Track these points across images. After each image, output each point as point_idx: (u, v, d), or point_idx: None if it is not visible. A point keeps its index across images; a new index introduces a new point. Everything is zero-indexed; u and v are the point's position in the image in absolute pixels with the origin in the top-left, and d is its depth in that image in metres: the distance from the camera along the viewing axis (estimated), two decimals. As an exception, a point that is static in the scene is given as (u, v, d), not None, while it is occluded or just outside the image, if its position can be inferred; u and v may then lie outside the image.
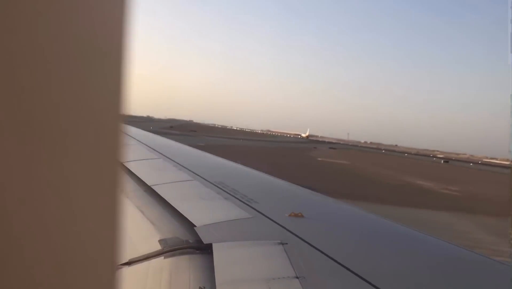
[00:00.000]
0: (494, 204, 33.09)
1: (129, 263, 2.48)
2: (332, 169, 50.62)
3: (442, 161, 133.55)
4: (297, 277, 2.05)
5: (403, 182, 44.25)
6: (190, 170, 5.00)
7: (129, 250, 2.66)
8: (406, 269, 2.36)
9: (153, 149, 6.90)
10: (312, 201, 4.27)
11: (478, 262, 2.72)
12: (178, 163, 5.50)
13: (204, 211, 3.31)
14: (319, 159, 70.14)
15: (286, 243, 2.52)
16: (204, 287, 2.07)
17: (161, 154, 6.36)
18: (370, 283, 2.00)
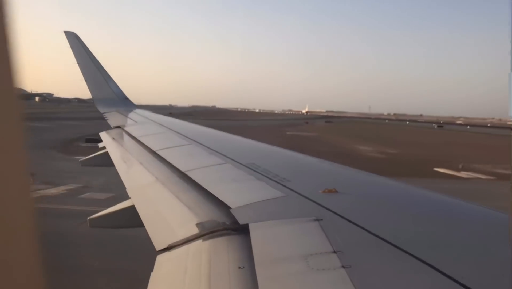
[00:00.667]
0: (407, 165, 36.29)
1: (169, 248, 2.55)
2: (286, 139, 54.21)
3: (435, 126, 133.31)
4: (334, 252, 2.05)
5: (343, 149, 47.46)
6: (221, 154, 5.04)
7: (168, 236, 2.73)
8: (447, 238, 2.31)
9: (183, 135, 6.99)
10: (345, 176, 4.23)
11: None
12: (209, 148, 5.56)
13: (238, 192, 3.35)
14: (288, 132, 74.62)
15: (321, 219, 2.52)
16: (244, 267, 2.10)
17: (192, 139, 6.44)
18: (409, 254, 1.98)
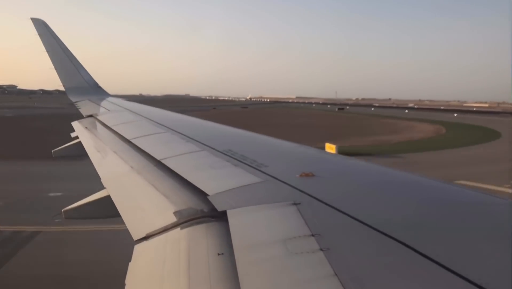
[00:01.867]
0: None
1: (146, 238, 2.52)
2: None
3: (336, 109, 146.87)
4: (312, 235, 2.07)
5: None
6: (197, 141, 5.00)
7: (145, 225, 2.70)
8: (423, 218, 2.36)
9: (158, 123, 6.89)
10: (322, 160, 4.26)
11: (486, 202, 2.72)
12: (185, 135, 5.50)
13: (215, 179, 3.33)
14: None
15: (299, 203, 2.53)
16: (223, 253, 2.10)
17: (167, 127, 6.36)
18: (386, 235, 2.02)
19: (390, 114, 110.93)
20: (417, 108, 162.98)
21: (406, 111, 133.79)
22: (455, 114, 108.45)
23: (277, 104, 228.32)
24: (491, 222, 2.35)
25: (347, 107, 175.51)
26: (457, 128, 70.31)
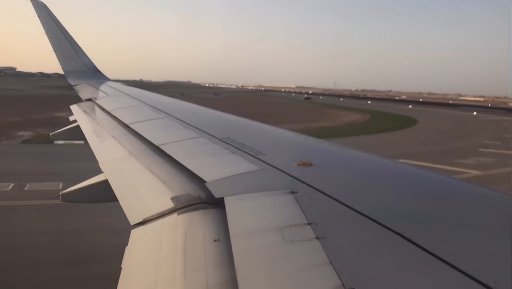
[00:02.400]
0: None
1: (143, 222, 2.53)
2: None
3: (304, 98, 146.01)
4: (309, 224, 2.08)
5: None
6: (196, 127, 4.99)
7: (142, 210, 2.71)
8: (419, 209, 2.38)
9: (157, 109, 6.87)
10: (320, 149, 4.27)
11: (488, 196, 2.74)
12: (183, 121, 5.49)
13: (213, 166, 3.33)
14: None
15: (296, 192, 2.54)
16: (219, 240, 2.11)
17: (166, 113, 6.34)
18: (382, 225, 2.03)
19: (342, 105, 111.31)
20: (381, 99, 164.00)
21: (369, 102, 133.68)
22: (409, 106, 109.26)
23: (259, 93, 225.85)
24: (486, 214, 2.36)
25: (321, 97, 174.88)
26: (381, 117, 71.89)
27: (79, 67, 13.08)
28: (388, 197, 2.60)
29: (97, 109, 7.85)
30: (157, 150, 4.12)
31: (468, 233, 2.06)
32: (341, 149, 4.20)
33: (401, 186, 2.93)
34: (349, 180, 3.02)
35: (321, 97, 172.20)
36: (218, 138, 4.28)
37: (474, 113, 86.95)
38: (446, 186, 3.00)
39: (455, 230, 2.06)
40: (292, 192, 2.54)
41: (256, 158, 3.44)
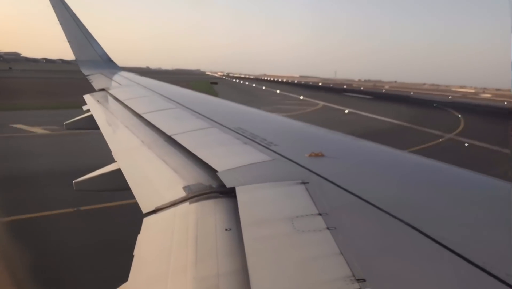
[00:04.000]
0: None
1: (155, 211, 2.56)
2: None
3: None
4: (319, 214, 2.08)
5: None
6: (208, 118, 5.01)
7: (154, 199, 2.74)
8: (432, 201, 2.36)
9: (169, 99, 6.90)
10: (332, 140, 4.25)
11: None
12: (195, 111, 5.51)
13: (224, 156, 3.35)
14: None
15: (308, 182, 2.54)
16: (230, 229, 2.12)
17: (178, 103, 6.37)
18: (393, 216, 2.02)
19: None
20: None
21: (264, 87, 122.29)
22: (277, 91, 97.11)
23: (209, 78, 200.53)
24: (502, 207, 2.34)
25: (247, 83, 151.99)
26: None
27: (92, 57, 13.18)
28: (400, 189, 2.59)
29: (110, 99, 7.91)
30: (170, 140, 4.15)
31: (481, 225, 2.04)
32: (353, 140, 4.18)
33: (414, 178, 2.91)
34: (361, 171, 3.01)
35: (247, 83, 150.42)
36: (230, 129, 4.29)
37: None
38: (460, 178, 2.97)
39: (468, 222, 2.05)
40: (303, 183, 2.54)
41: (268, 148, 3.45)
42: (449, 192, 2.58)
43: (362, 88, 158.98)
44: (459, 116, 50.87)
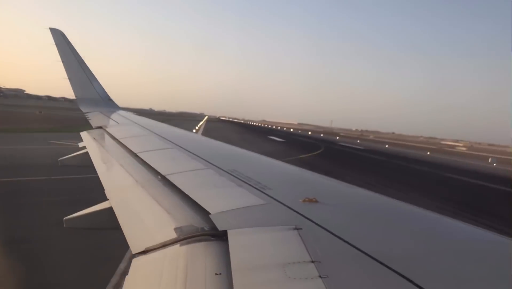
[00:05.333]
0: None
1: (145, 252, 2.51)
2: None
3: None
4: (312, 262, 2.05)
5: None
6: (203, 159, 5.02)
7: (145, 239, 2.69)
8: (425, 252, 2.34)
9: (166, 139, 6.94)
10: (325, 186, 4.25)
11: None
12: (191, 152, 5.53)
13: (218, 198, 3.33)
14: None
15: (301, 228, 2.52)
16: (220, 273, 2.08)
17: (174, 143, 6.40)
18: (386, 266, 1.99)
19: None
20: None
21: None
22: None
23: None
24: (493, 260, 2.31)
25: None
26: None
27: (91, 95, 13.35)
28: (393, 238, 2.56)
29: (107, 137, 7.94)
30: (164, 180, 4.13)
31: (474, 278, 2.01)
32: (347, 186, 4.18)
33: (407, 227, 2.89)
34: (355, 218, 2.99)
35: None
36: (225, 171, 4.29)
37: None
38: (453, 228, 2.96)
39: (462, 274, 2.02)
40: (297, 228, 2.52)
41: (262, 191, 3.44)
42: (443, 244, 2.56)
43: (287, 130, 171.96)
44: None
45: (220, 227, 2.60)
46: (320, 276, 1.88)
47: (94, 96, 13.40)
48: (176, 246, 2.49)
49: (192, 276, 2.09)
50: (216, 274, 2.08)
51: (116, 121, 10.44)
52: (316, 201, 3.14)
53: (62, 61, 12.85)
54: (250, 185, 3.68)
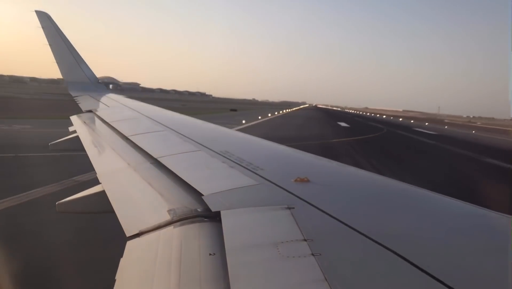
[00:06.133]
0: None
1: (139, 234, 2.52)
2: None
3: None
4: (305, 240, 2.07)
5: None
6: (195, 141, 5.01)
7: (138, 222, 2.70)
8: (415, 228, 2.38)
9: (157, 122, 6.90)
10: (317, 165, 4.28)
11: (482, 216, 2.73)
12: (183, 134, 5.51)
13: (210, 180, 3.34)
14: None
15: (293, 207, 2.54)
16: (214, 254, 2.10)
17: (166, 126, 6.37)
18: (378, 243, 2.03)
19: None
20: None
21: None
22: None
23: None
24: (485, 236, 2.36)
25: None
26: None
27: (80, 79, 13.17)
28: (385, 215, 2.60)
29: (97, 120, 7.87)
30: (156, 162, 4.13)
31: (466, 254, 2.05)
32: (339, 166, 4.21)
33: (399, 205, 2.93)
34: (346, 197, 3.02)
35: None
36: (217, 152, 4.29)
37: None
38: (445, 206, 3.00)
39: (453, 251, 2.06)
40: (289, 208, 2.54)
41: (254, 172, 3.45)
42: (435, 220, 2.60)
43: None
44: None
45: (213, 208, 2.61)
46: (312, 254, 1.91)
47: (83, 80, 13.22)
48: (170, 228, 2.51)
49: (186, 257, 2.11)
50: (210, 254, 2.10)
51: (106, 105, 10.35)
52: (308, 181, 3.16)
53: (50, 45, 12.62)
54: (242, 166, 3.69)
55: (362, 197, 3.06)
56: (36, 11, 12.99)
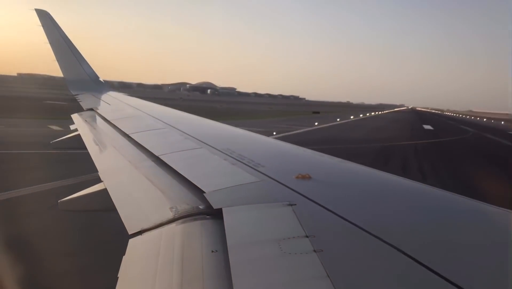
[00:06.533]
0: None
1: (141, 232, 2.53)
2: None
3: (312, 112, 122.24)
4: (307, 236, 2.08)
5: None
6: (196, 138, 5.01)
7: (140, 220, 2.71)
8: (417, 225, 2.37)
9: (158, 119, 6.90)
10: (319, 162, 4.27)
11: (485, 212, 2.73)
12: (184, 132, 5.51)
13: (212, 177, 3.34)
14: None
15: (295, 204, 2.54)
16: (217, 251, 2.11)
17: (167, 123, 6.37)
18: (380, 239, 2.03)
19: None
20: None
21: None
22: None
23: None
24: (487, 231, 2.36)
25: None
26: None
27: (81, 77, 13.16)
28: (387, 212, 2.60)
29: (98, 118, 7.88)
30: (157, 160, 4.13)
31: (469, 250, 2.05)
32: (341, 162, 4.21)
33: (401, 201, 2.92)
34: (348, 193, 3.02)
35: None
36: (218, 150, 4.29)
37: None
38: (448, 201, 2.99)
39: (456, 247, 2.06)
40: (291, 204, 2.54)
41: (255, 169, 3.45)
42: (438, 216, 2.59)
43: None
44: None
45: (215, 205, 2.62)
46: (314, 250, 1.91)
47: (83, 78, 13.21)
48: (172, 226, 2.51)
49: (188, 254, 2.12)
50: (212, 251, 2.11)
51: (107, 103, 10.35)
52: (310, 177, 3.16)
53: (50, 43, 12.60)
54: (243, 163, 3.69)
55: (364, 193, 3.05)
56: (36, 10, 12.96)
